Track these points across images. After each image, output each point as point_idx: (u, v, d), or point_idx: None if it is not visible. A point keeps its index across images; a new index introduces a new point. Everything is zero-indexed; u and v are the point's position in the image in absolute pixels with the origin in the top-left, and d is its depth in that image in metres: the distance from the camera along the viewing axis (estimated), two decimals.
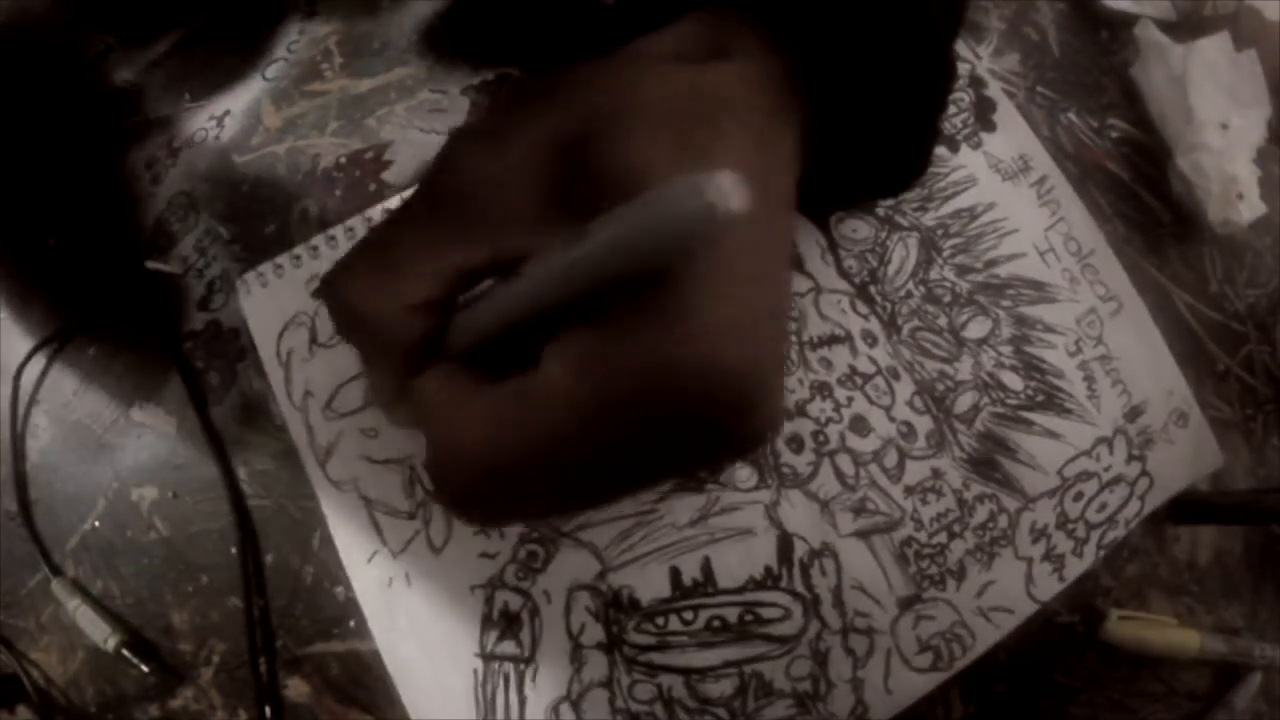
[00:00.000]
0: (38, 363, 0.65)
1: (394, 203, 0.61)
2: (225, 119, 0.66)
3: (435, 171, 0.41)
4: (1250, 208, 0.66)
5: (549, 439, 0.36)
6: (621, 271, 0.34)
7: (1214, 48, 0.69)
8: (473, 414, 0.38)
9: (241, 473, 0.60)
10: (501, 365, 0.39)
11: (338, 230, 0.61)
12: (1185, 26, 0.72)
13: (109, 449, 0.62)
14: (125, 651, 0.57)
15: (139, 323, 0.63)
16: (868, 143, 0.49)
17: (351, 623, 0.57)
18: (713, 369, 0.35)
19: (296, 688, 0.57)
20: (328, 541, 0.58)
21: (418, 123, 0.63)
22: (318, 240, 0.61)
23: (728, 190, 0.29)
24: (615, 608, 0.56)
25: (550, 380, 0.36)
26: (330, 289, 0.42)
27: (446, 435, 0.39)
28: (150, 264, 0.64)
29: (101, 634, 0.58)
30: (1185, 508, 0.62)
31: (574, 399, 0.35)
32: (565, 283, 0.36)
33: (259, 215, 0.63)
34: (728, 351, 0.35)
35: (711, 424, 0.36)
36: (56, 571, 0.61)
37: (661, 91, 0.39)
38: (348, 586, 0.57)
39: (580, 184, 0.37)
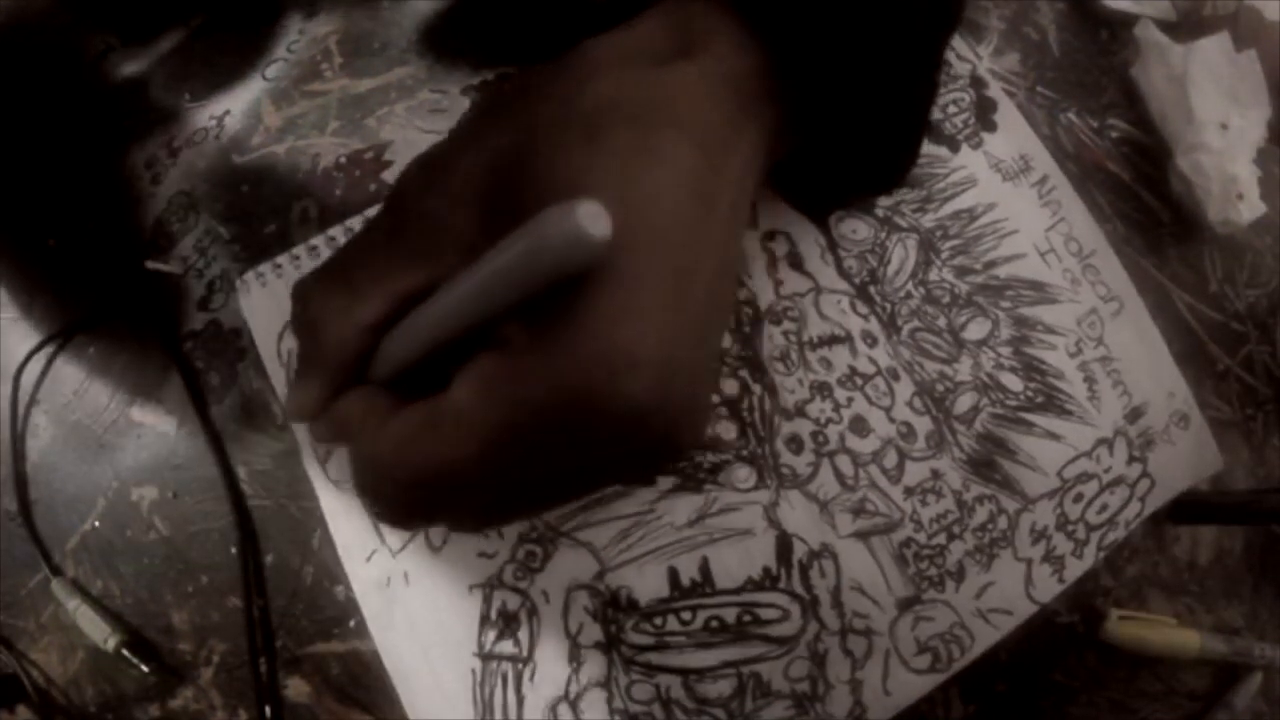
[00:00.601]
0: (38, 363, 0.64)
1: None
2: (225, 119, 0.66)
3: (391, 194, 0.43)
4: (1250, 208, 0.65)
5: (453, 459, 0.37)
6: (509, 298, 0.35)
7: (1214, 48, 0.68)
8: (388, 433, 0.39)
9: (241, 472, 0.59)
10: (423, 391, 0.40)
11: (337, 230, 0.60)
12: (1185, 26, 0.71)
13: (109, 449, 0.62)
14: (125, 651, 0.57)
15: (139, 323, 0.63)
16: (853, 138, 0.48)
17: (351, 622, 0.57)
18: (612, 398, 0.35)
19: (296, 687, 0.57)
20: (328, 541, 0.57)
21: (418, 123, 0.63)
22: (317, 240, 0.60)
23: (591, 219, 0.30)
24: (614, 607, 0.55)
25: (455, 403, 0.37)
26: (298, 296, 0.44)
27: (366, 452, 0.41)
28: (150, 264, 0.64)
29: (101, 634, 0.57)
30: (1185, 508, 0.61)
31: (475, 422, 0.36)
32: (464, 309, 0.37)
33: (259, 215, 0.63)
34: (629, 381, 0.35)
35: (617, 448, 0.37)
36: (56, 571, 0.61)
37: (604, 99, 0.39)
38: (348, 586, 0.57)
39: (519, 202, 0.37)
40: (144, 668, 0.57)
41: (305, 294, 0.43)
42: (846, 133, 0.47)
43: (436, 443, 0.37)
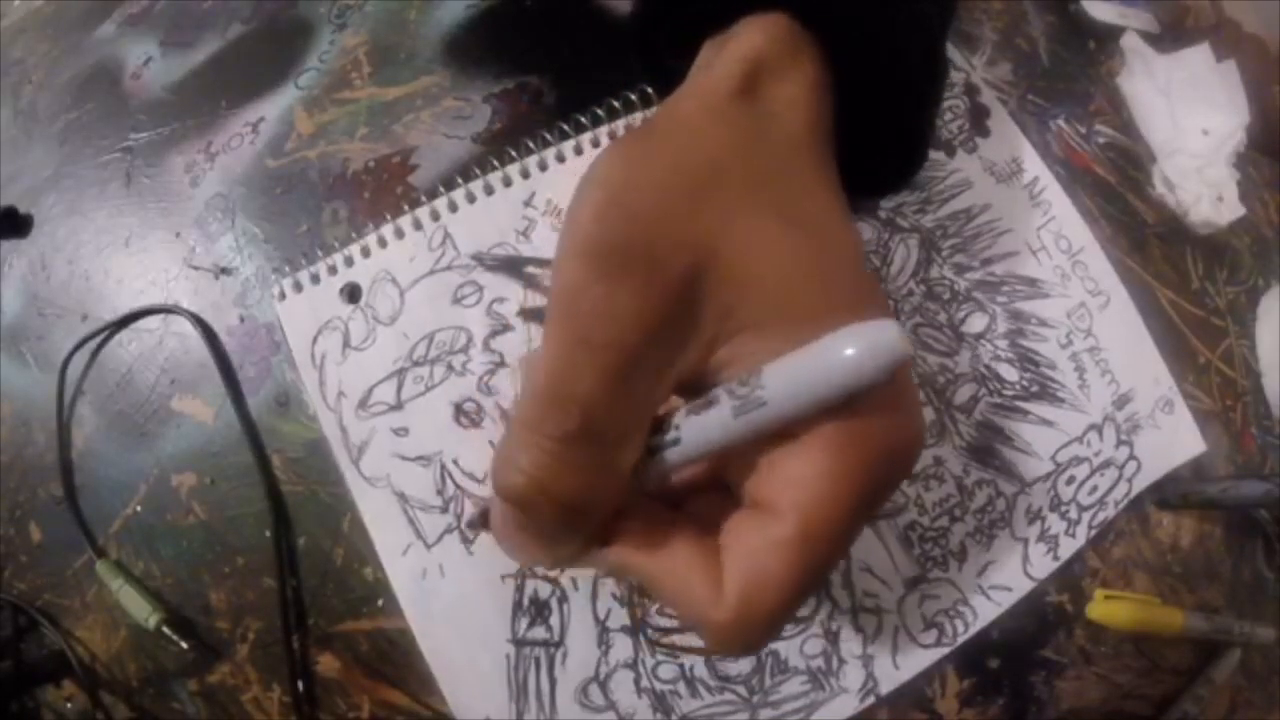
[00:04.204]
0: (82, 356, 0.64)
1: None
2: (260, 125, 0.65)
3: (585, 325, 0.34)
4: (1229, 209, 0.66)
5: (838, 558, 0.37)
6: (810, 412, 0.33)
7: (1195, 58, 0.68)
8: (765, 570, 0.34)
9: (275, 460, 0.59)
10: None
11: (370, 239, 0.59)
12: (1168, 38, 0.71)
13: (150, 437, 0.62)
14: (165, 629, 0.57)
15: (179, 318, 0.62)
16: (870, 144, 0.46)
17: (380, 602, 0.56)
18: (922, 426, 0.36)
19: (327, 663, 0.57)
20: (357, 525, 0.57)
21: (442, 129, 0.62)
22: (351, 250, 0.59)
23: (899, 342, 0.31)
24: (639, 592, 0.55)
25: (818, 512, 0.34)
26: (539, 490, 0.35)
27: (743, 604, 0.35)
28: (191, 263, 0.63)
29: (143, 612, 0.58)
30: (1168, 494, 0.61)
31: (847, 518, 0.34)
32: (760, 428, 0.34)
33: (292, 216, 0.62)
34: (919, 403, 0.37)
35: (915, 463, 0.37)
36: (100, 553, 0.61)
37: (758, 159, 0.37)
38: (376, 567, 0.56)
39: (744, 288, 0.35)
40: (183, 644, 0.58)
41: (538, 471, 0.35)
42: (865, 139, 0.45)
43: (819, 556, 0.34)
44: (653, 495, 0.39)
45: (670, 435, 0.36)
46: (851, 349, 0.31)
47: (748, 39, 0.40)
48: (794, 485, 0.34)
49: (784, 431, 0.34)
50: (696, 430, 0.35)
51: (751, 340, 0.35)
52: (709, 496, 0.37)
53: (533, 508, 0.36)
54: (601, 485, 0.35)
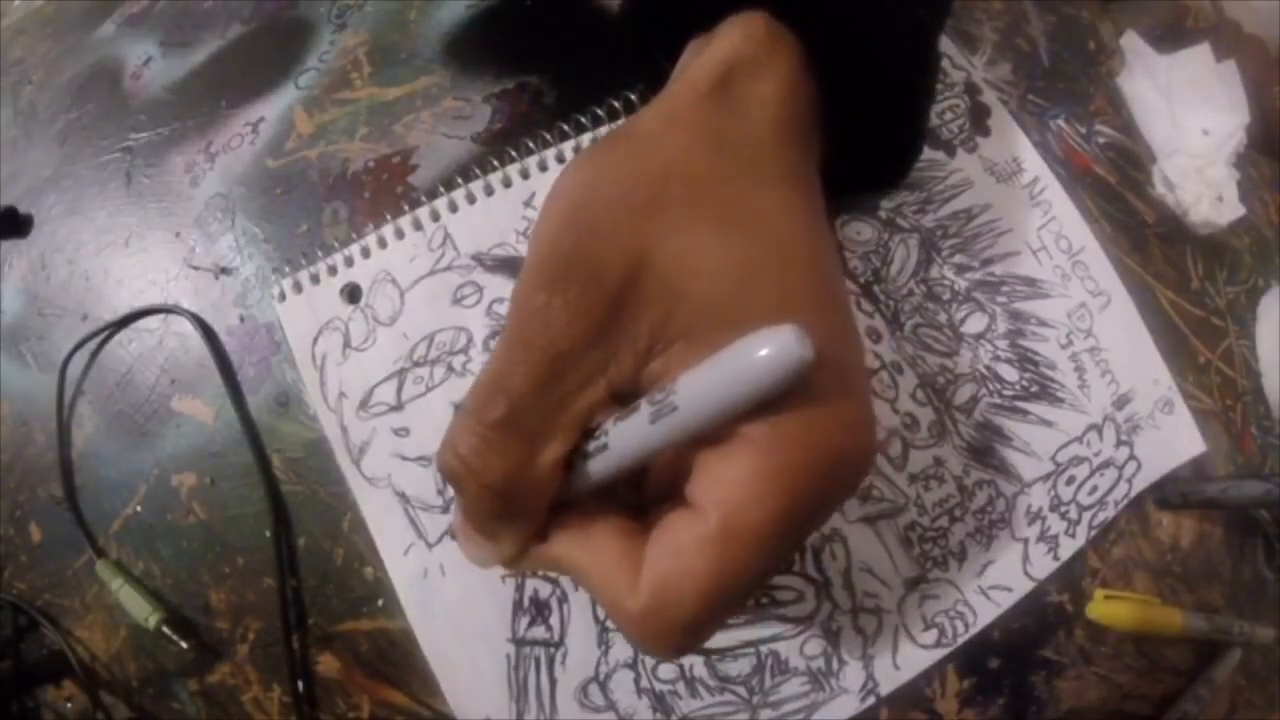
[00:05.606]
0: (82, 356, 0.64)
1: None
2: (260, 125, 0.65)
3: (524, 328, 0.37)
4: (1230, 209, 0.65)
5: (766, 563, 0.35)
6: (726, 419, 0.34)
7: (1195, 58, 0.68)
8: (683, 565, 0.35)
9: (275, 460, 0.59)
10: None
11: (370, 240, 0.59)
12: (1168, 38, 0.71)
13: (150, 437, 0.61)
14: (166, 629, 0.57)
15: (179, 318, 0.62)
16: (866, 140, 0.46)
17: (380, 601, 0.56)
18: (869, 458, 0.36)
19: (328, 663, 0.57)
20: (357, 525, 0.57)
21: (442, 129, 0.62)
22: (352, 250, 0.59)
23: (797, 345, 0.30)
24: None
25: (741, 511, 0.34)
26: (467, 470, 0.38)
27: (658, 596, 0.36)
28: (191, 263, 0.63)
29: (143, 612, 0.58)
30: (1168, 494, 0.60)
31: (772, 520, 0.34)
32: (680, 434, 0.35)
33: (291, 216, 0.62)
34: (874, 437, 0.36)
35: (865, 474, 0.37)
36: (100, 553, 0.61)
37: (711, 169, 0.37)
38: (376, 567, 0.56)
39: (678, 294, 0.36)
40: (183, 644, 0.58)
41: (474, 464, 0.38)
42: (861, 136, 0.45)
43: (745, 554, 0.34)
44: (624, 504, 0.41)
45: (599, 442, 0.38)
46: (752, 354, 0.31)
47: (726, 39, 0.40)
48: (719, 484, 0.35)
49: (715, 436, 0.34)
50: (620, 437, 0.37)
51: (685, 349, 0.35)
52: (671, 505, 0.38)
53: (462, 486, 0.39)
54: (523, 475, 0.37)
